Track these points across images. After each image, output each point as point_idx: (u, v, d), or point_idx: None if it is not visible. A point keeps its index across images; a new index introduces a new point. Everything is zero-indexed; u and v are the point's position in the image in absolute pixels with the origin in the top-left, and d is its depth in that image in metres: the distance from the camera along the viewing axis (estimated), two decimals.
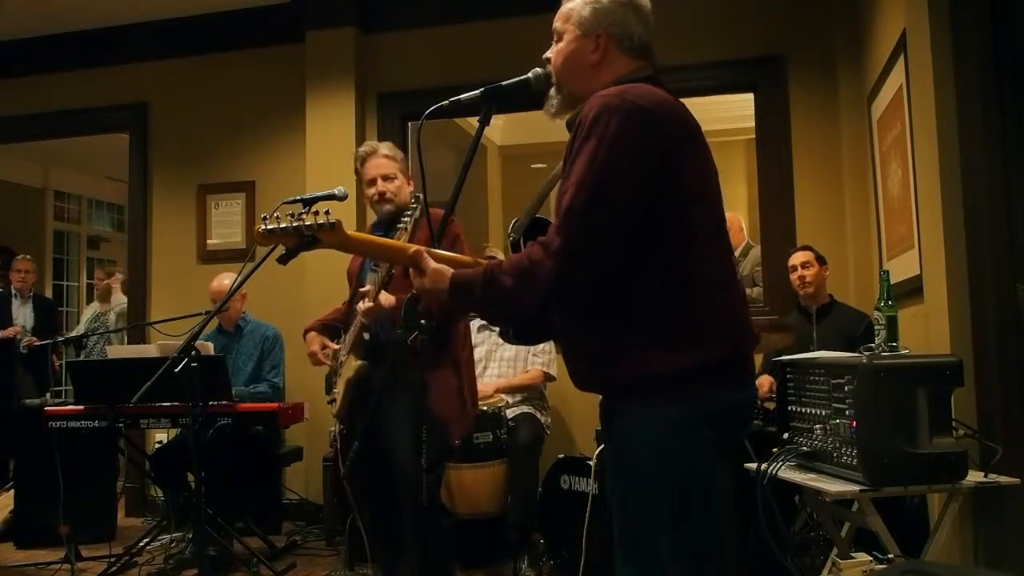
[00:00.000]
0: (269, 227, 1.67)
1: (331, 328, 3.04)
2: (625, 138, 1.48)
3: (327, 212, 1.65)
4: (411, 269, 1.64)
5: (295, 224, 1.64)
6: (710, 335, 1.52)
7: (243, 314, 4.46)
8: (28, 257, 6.27)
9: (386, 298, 2.65)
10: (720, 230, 1.61)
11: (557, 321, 1.68)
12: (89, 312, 6.71)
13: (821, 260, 3.81)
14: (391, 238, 2.66)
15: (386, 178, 2.91)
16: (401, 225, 2.43)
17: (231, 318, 4.40)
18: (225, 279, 4.33)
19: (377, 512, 2.93)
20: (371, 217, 3.46)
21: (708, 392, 1.52)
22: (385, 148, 2.98)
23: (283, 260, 1.72)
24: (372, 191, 2.94)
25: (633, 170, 1.49)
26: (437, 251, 1.67)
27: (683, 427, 1.51)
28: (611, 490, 1.66)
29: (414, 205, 2.36)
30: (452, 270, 1.60)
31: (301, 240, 1.65)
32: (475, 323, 3.99)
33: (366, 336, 2.80)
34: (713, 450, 1.54)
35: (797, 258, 3.83)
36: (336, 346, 2.95)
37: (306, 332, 3.05)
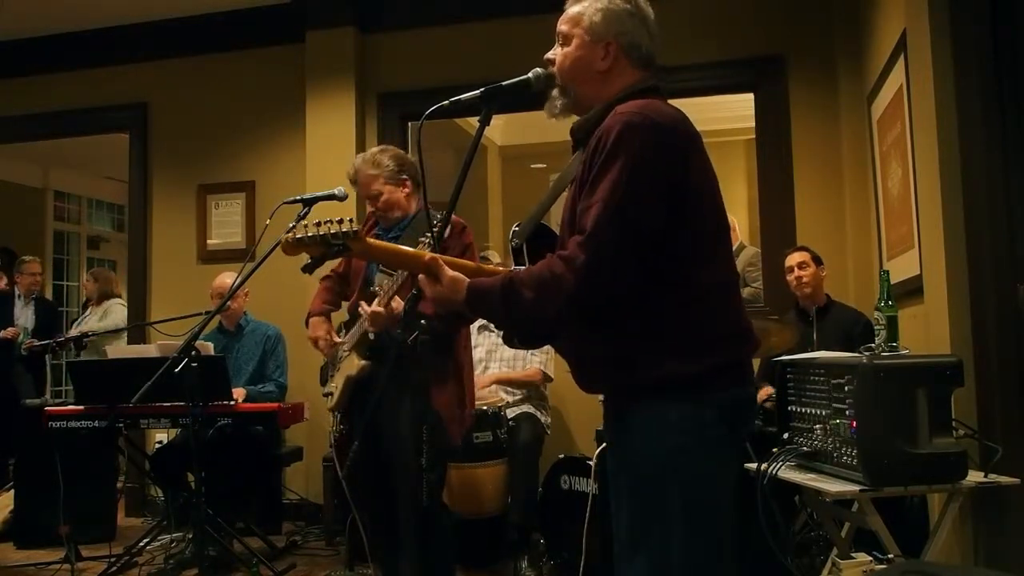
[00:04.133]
0: (298, 236, 1.64)
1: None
2: (649, 158, 1.51)
3: (351, 220, 1.64)
4: (423, 276, 1.65)
5: (323, 233, 1.62)
6: (718, 337, 1.55)
7: (244, 313, 4.46)
8: (37, 259, 6.26)
9: (399, 303, 2.64)
10: (723, 234, 1.64)
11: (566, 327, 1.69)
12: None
13: (818, 260, 3.75)
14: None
15: (372, 197, 2.90)
16: (424, 239, 2.42)
17: (232, 317, 4.40)
18: (227, 278, 4.33)
19: (377, 512, 2.93)
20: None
21: (717, 391, 1.55)
22: (365, 165, 2.89)
23: (308, 269, 1.69)
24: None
25: (657, 189, 1.51)
26: (447, 257, 1.67)
27: (694, 425, 1.53)
28: (616, 489, 1.66)
29: (439, 220, 2.35)
30: (467, 279, 1.61)
31: (329, 249, 1.63)
32: (475, 324, 3.99)
33: (371, 336, 2.80)
34: (722, 447, 1.57)
35: (793, 259, 3.77)
36: (340, 339, 2.95)
37: (310, 316, 3.04)
